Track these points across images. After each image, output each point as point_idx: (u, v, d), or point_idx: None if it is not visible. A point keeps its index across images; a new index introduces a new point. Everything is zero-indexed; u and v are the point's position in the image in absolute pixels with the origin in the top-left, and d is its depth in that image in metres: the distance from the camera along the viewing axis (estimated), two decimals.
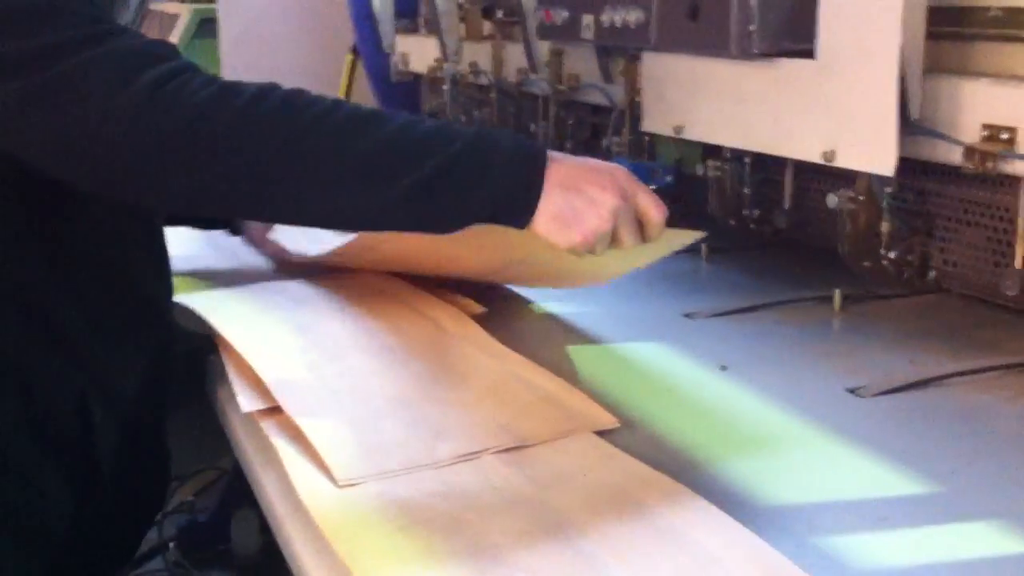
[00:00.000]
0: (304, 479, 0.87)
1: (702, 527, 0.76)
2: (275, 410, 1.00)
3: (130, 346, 1.13)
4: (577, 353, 1.15)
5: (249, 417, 1.01)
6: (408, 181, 0.90)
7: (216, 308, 1.23)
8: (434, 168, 0.90)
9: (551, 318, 1.28)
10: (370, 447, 0.90)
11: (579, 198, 0.94)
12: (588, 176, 0.95)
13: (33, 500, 1.05)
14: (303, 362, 1.09)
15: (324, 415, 0.96)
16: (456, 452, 0.89)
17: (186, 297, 1.25)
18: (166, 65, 0.92)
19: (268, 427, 0.97)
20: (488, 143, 0.93)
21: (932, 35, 1.24)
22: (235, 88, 0.93)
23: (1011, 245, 1.24)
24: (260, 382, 1.05)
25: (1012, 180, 1.21)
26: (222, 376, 1.11)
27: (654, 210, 0.98)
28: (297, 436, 0.94)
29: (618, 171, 0.97)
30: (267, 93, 0.92)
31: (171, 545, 2.25)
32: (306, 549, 0.80)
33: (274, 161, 0.91)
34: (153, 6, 4.79)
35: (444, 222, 0.94)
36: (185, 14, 4.31)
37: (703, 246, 1.55)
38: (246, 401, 1.02)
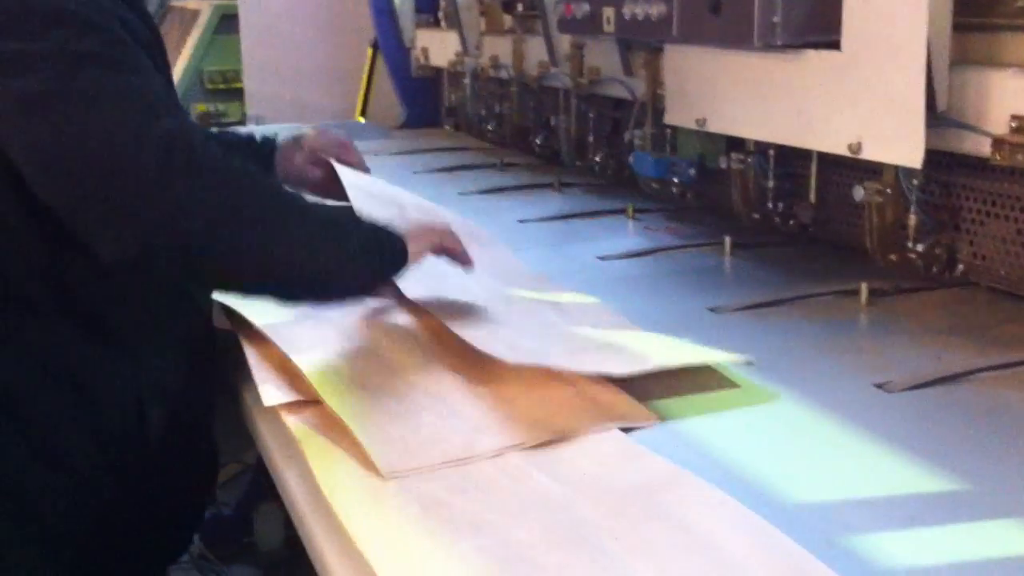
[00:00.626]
0: (327, 474, 0.86)
1: (729, 526, 0.75)
2: (298, 404, 1.00)
3: (176, 343, 1.14)
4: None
5: (272, 411, 1.00)
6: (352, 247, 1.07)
7: (249, 303, 1.23)
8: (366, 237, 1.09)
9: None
10: (412, 441, 0.90)
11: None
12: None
13: (87, 498, 1.06)
14: (339, 357, 1.09)
15: (364, 409, 0.96)
16: (496, 445, 0.89)
17: (217, 293, 1.25)
18: (177, 118, 0.96)
19: (291, 421, 0.97)
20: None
21: (959, 26, 1.22)
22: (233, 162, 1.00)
23: None
24: (283, 376, 1.05)
25: None
26: (245, 370, 1.11)
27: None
28: (321, 431, 0.94)
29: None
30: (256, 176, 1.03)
31: (196, 538, 2.26)
32: (329, 545, 0.79)
33: (255, 221, 0.99)
34: (174, 2, 4.82)
35: (379, 275, 1.12)
36: (206, 10, 4.33)
37: (727, 240, 1.54)
38: (269, 395, 1.02)
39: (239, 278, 1.04)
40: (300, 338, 1.12)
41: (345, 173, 1.37)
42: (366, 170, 1.44)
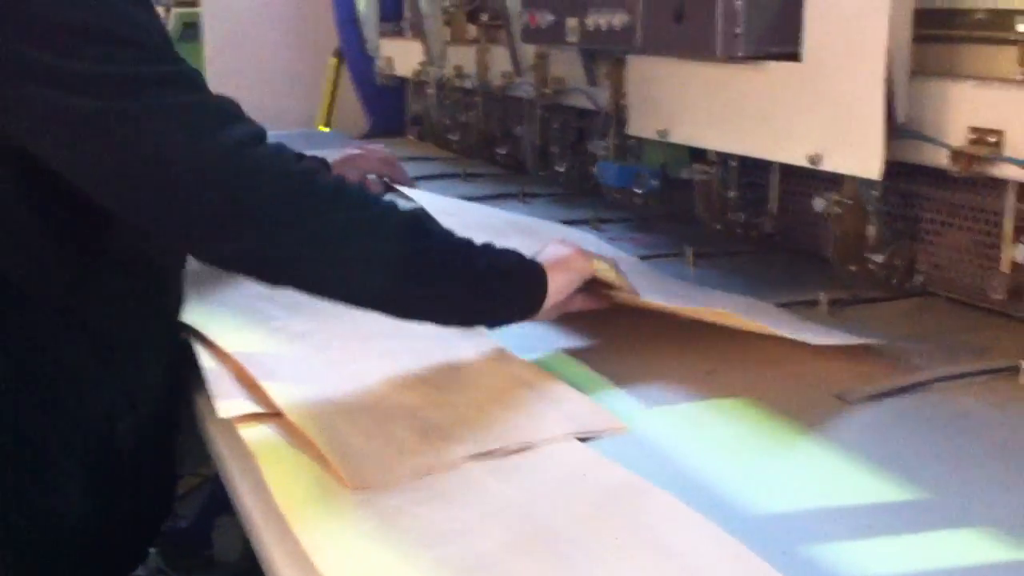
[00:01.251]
0: (284, 488, 0.85)
1: (689, 536, 0.75)
2: (253, 416, 0.98)
3: (153, 355, 1.13)
4: (560, 361, 1.14)
5: (228, 423, 0.99)
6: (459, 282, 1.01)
7: (210, 318, 1.22)
8: (479, 273, 1.02)
9: (537, 324, 1.27)
10: (384, 455, 0.89)
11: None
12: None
13: (48, 504, 1.05)
14: (302, 368, 1.08)
15: (330, 422, 0.94)
16: (466, 453, 0.88)
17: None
18: (247, 127, 0.95)
19: (247, 433, 0.96)
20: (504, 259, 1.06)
21: (919, 37, 1.23)
22: (312, 172, 0.96)
23: (998, 248, 1.24)
24: (240, 386, 1.04)
25: (999, 183, 1.21)
26: (200, 381, 1.09)
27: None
28: (276, 443, 0.93)
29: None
30: (340, 186, 0.98)
31: (153, 551, 2.23)
32: (284, 559, 0.78)
33: (337, 249, 0.96)
34: None
35: (483, 317, 1.07)
36: (169, 17, 4.29)
37: (689, 251, 1.54)
38: (225, 407, 1.00)
39: (323, 293, 1.01)
40: (263, 352, 1.11)
41: (422, 198, 1.34)
42: (412, 186, 1.43)
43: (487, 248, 1.04)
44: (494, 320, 1.07)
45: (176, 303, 1.21)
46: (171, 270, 1.19)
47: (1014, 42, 1.19)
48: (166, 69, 0.93)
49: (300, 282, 0.99)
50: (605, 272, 1.15)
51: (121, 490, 1.11)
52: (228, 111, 0.96)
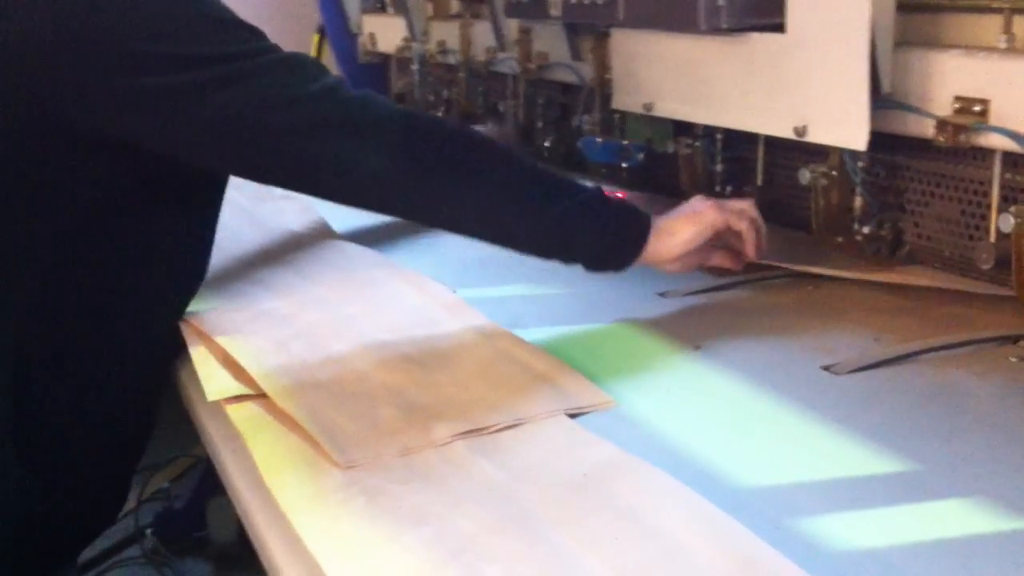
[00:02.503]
0: (272, 469, 0.85)
1: (676, 511, 0.75)
2: (242, 398, 0.98)
3: (140, 352, 1.14)
4: (550, 335, 1.14)
5: (216, 405, 0.99)
6: (558, 210, 1.07)
7: (198, 302, 1.21)
8: (578, 203, 1.09)
9: (524, 300, 1.27)
10: (367, 434, 0.88)
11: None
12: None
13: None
14: (287, 352, 1.07)
15: (315, 404, 0.94)
16: (454, 431, 0.88)
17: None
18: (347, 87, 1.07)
19: (235, 415, 0.95)
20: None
21: (902, 7, 1.23)
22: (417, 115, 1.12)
23: (984, 218, 1.24)
24: (227, 369, 1.04)
25: (985, 152, 1.21)
26: (188, 364, 1.09)
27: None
28: (266, 424, 0.93)
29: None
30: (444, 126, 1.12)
31: (148, 532, 2.24)
32: (274, 539, 0.78)
33: (459, 183, 1.07)
34: None
35: (573, 250, 1.11)
36: None
37: None
38: (212, 389, 1.00)
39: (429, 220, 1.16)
40: (248, 336, 1.11)
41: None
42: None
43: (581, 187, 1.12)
44: (578, 255, 1.11)
45: (186, 295, 1.21)
46: (185, 261, 1.19)
47: (998, 10, 1.18)
48: (249, 43, 1.04)
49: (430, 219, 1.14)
50: (741, 228, 1.19)
51: (77, 473, 1.11)
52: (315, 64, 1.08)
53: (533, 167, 1.11)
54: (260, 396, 0.98)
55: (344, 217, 1.54)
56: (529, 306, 1.24)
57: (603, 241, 1.10)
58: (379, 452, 0.86)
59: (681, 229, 1.13)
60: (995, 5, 1.19)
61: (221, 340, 1.09)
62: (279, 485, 0.82)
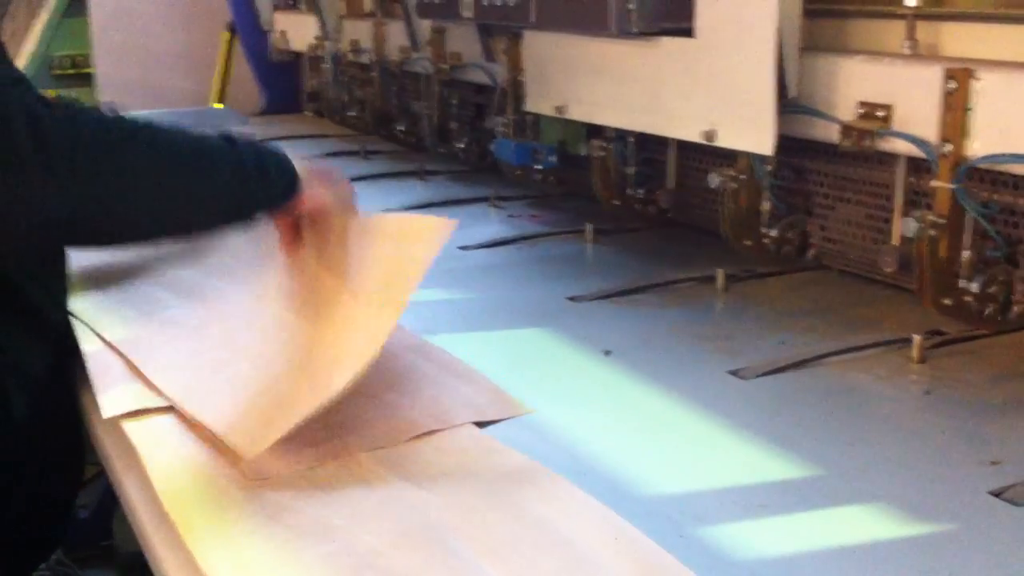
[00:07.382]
0: (168, 485, 0.82)
1: (581, 521, 0.74)
2: (137, 413, 0.95)
3: (38, 331, 1.10)
4: (458, 341, 1.12)
5: (113, 420, 0.95)
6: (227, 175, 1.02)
7: (101, 313, 1.17)
8: (242, 162, 1.04)
9: (435, 305, 1.25)
10: (281, 444, 0.86)
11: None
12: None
13: None
14: (196, 363, 1.04)
15: (228, 415, 0.91)
16: (363, 447, 0.86)
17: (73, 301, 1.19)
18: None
19: (132, 430, 0.92)
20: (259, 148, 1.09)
21: (809, 12, 1.24)
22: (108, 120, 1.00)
23: (888, 222, 1.26)
24: (126, 383, 1.00)
25: (889, 157, 1.22)
26: (85, 379, 1.05)
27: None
28: (163, 439, 0.90)
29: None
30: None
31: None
32: (168, 554, 0.76)
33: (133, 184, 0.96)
34: None
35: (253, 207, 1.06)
36: None
37: (588, 228, 1.54)
38: (108, 405, 0.97)
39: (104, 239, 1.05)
40: (157, 350, 1.07)
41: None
42: None
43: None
44: (262, 202, 1.07)
45: (60, 284, 1.16)
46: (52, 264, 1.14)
47: (902, 16, 1.20)
48: None
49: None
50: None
51: (22, 474, 1.08)
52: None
53: (179, 141, 1.02)
54: (160, 410, 0.95)
55: None
56: (441, 311, 1.23)
57: (278, 181, 1.08)
58: (287, 465, 0.83)
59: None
60: (899, 11, 1.20)
61: (124, 349, 1.05)
62: (176, 504, 0.79)
